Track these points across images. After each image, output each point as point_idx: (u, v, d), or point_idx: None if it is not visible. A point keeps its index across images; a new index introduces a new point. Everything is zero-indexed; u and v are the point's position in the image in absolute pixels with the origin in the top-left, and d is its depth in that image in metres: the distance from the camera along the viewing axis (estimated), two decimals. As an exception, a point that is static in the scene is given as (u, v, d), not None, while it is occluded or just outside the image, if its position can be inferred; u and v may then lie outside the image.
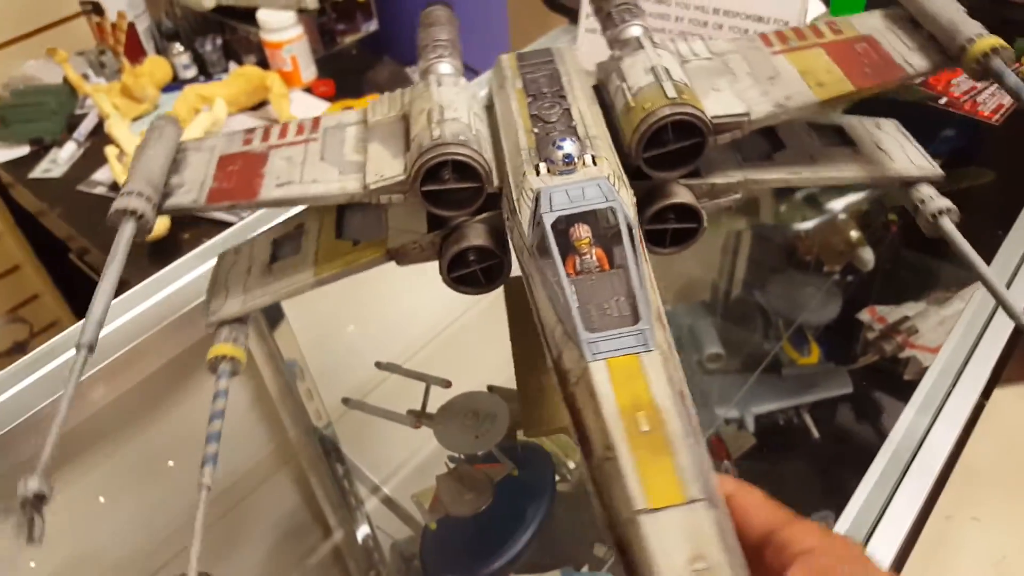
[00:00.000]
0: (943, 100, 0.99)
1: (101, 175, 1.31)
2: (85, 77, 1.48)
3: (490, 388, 0.72)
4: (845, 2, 1.01)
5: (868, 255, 0.99)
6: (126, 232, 0.43)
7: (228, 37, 1.56)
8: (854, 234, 1.00)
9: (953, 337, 0.70)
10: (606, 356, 0.34)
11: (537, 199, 0.42)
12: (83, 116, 1.44)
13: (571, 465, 0.72)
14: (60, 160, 1.36)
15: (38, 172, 1.35)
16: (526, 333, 0.62)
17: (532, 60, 0.56)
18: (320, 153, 0.52)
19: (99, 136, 1.40)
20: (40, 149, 1.40)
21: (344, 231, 0.56)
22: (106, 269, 0.41)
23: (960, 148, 1.01)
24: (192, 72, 1.53)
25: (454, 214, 0.48)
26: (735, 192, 0.53)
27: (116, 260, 0.42)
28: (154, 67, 1.47)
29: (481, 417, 0.67)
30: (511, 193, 0.45)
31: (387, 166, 0.49)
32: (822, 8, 1.04)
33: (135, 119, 1.37)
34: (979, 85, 0.98)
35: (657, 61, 0.49)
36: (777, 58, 0.53)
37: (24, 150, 1.40)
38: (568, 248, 0.40)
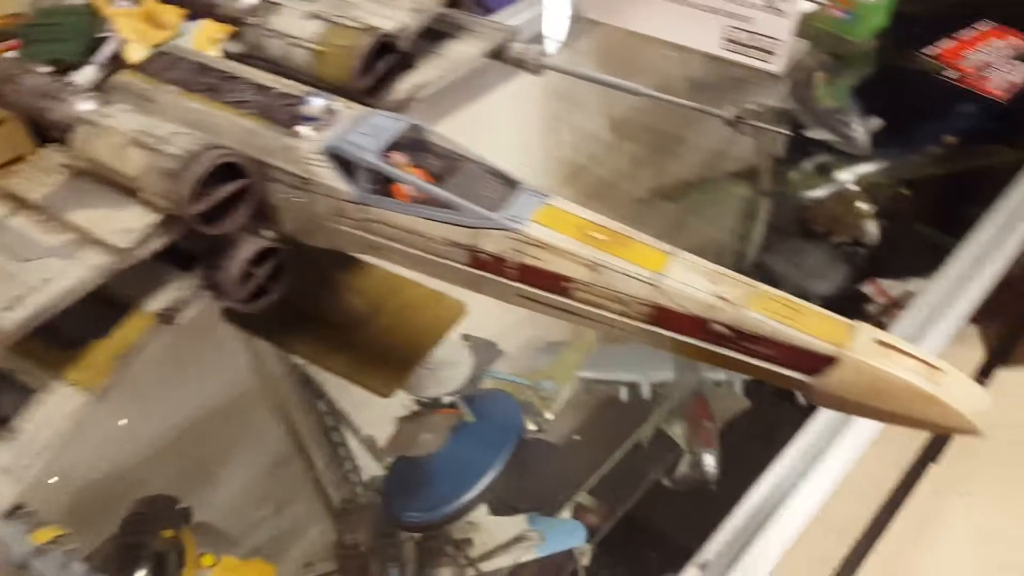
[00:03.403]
0: (952, 74, 0.96)
1: (122, 98, 1.17)
2: (113, -2, 1.36)
3: (465, 337, 0.71)
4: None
5: (872, 228, 0.98)
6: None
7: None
8: (861, 205, 0.99)
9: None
10: (528, 217, 0.38)
11: (337, 154, 0.42)
12: (105, 39, 1.34)
13: (548, 416, 0.72)
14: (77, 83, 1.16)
15: (57, 92, 1.20)
16: (304, 328, 0.59)
17: (157, 66, 0.52)
18: (9, 255, 0.42)
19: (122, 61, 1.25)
20: (59, 71, 1.24)
21: (69, 337, 0.46)
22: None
23: (978, 126, 1.00)
24: (221, 0, 1.31)
25: (229, 229, 0.44)
26: (413, 100, 0.58)
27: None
28: (183, -8, 1.41)
29: (444, 364, 0.66)
30: (285, 171, 0.44)
31: (123, 220, 0.42)
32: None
33: (155, 46, 1.21)
34: (993, 61, 0.95)
35: (310, 8, 0.50)
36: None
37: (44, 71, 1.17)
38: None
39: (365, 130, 0.42)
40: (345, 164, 0.42)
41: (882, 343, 0.33)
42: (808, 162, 1.07)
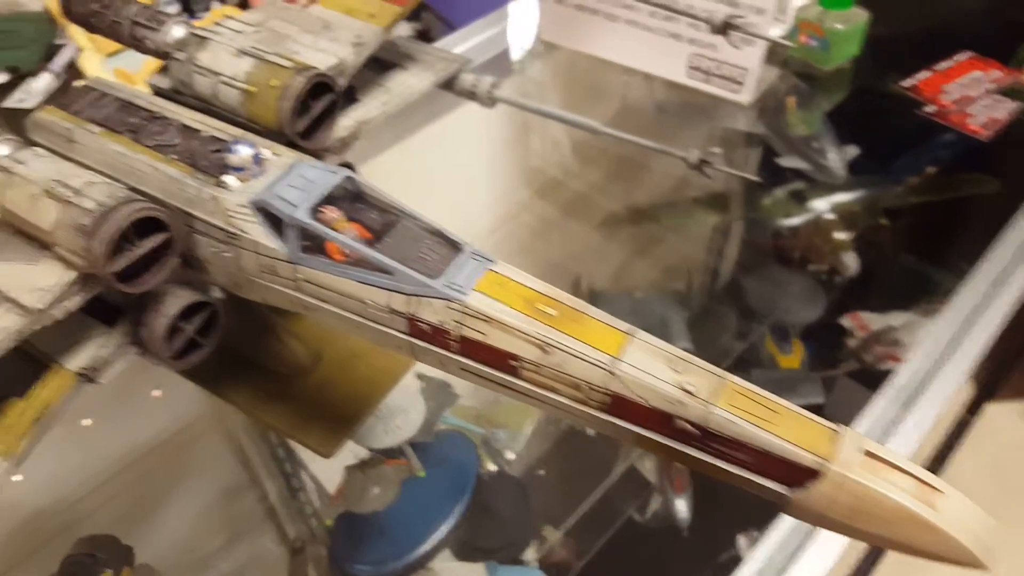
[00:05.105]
0: (931, 108, 0.93)
1: (80, 105, 1.21)
2: (68, 4, 1.33)
3: (420, 377, 0.67)
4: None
5: (850, 260, 0.93)
6: None
7: (213, -24, 1.51)
8: (838, 236, 0.94)
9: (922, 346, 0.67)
10: (471, 285, 0.36)
11: (265, 209, 0.39)
12: (61, 46, 1.35)
13: (509, 456, 0.68)
14: (34, 91, 1.33)
15: (11, 102, 1.34)
16: (241, 375, 0.56)
17: (80, 101, 0.48)
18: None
19: (78, 69, 1.32)
20: (16, 78, 1.35)
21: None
22: None
23: (959, 156, 0.96)
24: (174, 9, 1.44)
25: (150, 286, 0.41)
26: (356, 138, 0.55)
27: None
28: (137, 0, 1.47)
29: (395, 411, 0.61)
30: (211, 224, 0.41)
31: (38, 277, 0.39)
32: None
33: (110, 54, 1.25)
34: (973, 94, 0.92)
35: (242, 44, 0.47)
36: (313, 9, 0.56)
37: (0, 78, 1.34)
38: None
39: (295, 183, 0.40)
40: (273, 219, 0.39)
41: (871, 455, 0.30)
42: (781, 189, 1.04)
